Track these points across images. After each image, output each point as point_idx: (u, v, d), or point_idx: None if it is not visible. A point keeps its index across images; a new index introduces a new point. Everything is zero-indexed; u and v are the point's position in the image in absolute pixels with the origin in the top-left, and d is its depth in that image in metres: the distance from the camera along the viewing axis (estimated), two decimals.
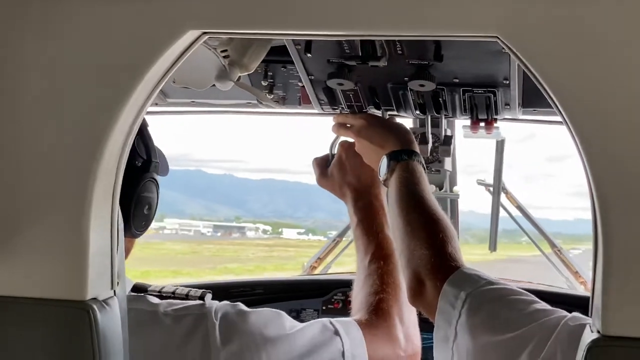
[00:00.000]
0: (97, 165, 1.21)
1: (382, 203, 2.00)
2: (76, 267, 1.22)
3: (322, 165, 2.16)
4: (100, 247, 1.26)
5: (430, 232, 1.66)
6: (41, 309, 1.22)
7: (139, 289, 1.56)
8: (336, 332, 1.61)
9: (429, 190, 1.80)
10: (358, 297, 1.84)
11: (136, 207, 1.59)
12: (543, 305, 1.47)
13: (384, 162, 1.87)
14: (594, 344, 1.13)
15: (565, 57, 1.14)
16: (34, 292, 1.23)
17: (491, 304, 1.49)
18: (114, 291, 1.30)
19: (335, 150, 2.14)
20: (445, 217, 1.72)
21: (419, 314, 1.82)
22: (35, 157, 1.23)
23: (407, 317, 1.78)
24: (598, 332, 1.14)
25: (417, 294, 1.63)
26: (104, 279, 1.28)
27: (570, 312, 1.44)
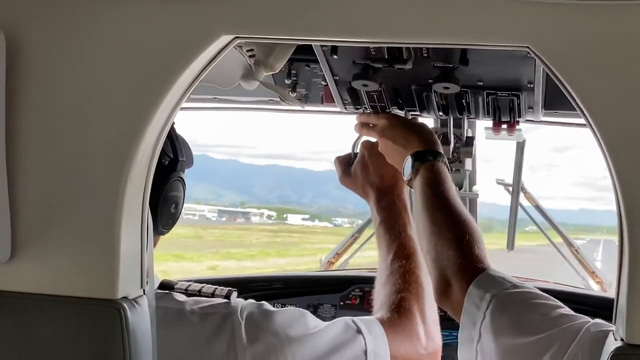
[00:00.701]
0: (129, 166, 1.23)
1: (404, 203, 2.02)
2: (108, 266, 1.24)
3: (345, 164, 2.16)
4: (131, 246, 1.28)
5: (457, 234, 1.68)
6: (73, 307, 1.25)
7: (165, 286, 1.58)
8: (359, 331, 1.63)
9: (455, 191, 1.81)
10: (380, 296, 1.85)
11: (163, 205, 1.61)
12: (567, 310, 1.48)
13: (408, 162, 1.87)
14: (617, 352, 1.14)
15: (595, 66, 1.15)
16: (66, 291, 1.25)
17: (515, 306, 1.51)
18: (144, 290, 1.32)
19: (358, 150, 2.15)
20: (471, 219, 1.73)
21: (440, 312, 1.84)
22: (69, 157, 1.25)
23: (428, 315, 1.80)
24: (622, 340, 1.15)
25: (443, 295, 1.66)
26: (134, 278, 1.30)
27: (589, 313, 1.46)
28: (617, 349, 1.15)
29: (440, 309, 1.90)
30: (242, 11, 1.22)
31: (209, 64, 1.29)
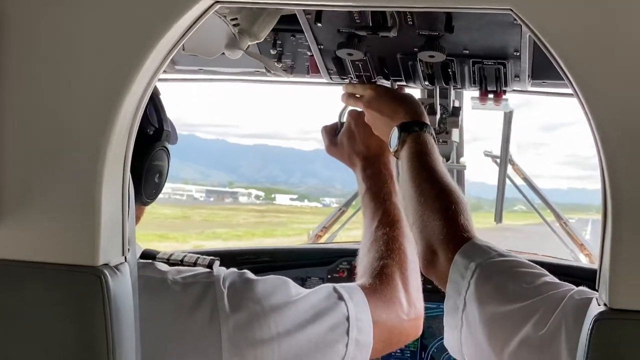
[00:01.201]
0: (109, 131, 1.22)
1: (390, 172, 2.02)
2: (88, 232, 1.23)
3: (331, 133, 2.17)
4: (112, 213, 1.26)
5: (443, 204, 1.68)
6: (53, 274, 1.23)
7: (147, 255, 1.57)
8: (341, 298, 1.63)
9: (441, 161, 1.82)
10: (363, 262, 1.86)
11: (147, 175, 1.60)
12: (551, 278, 1.49)
13: (394, 133, 1.88)
14: (600, 317, 1.14)
15: (578, 29, 1.14)
16: (47, 257, 1.24)
17: (500, 275, 1.51)
18: (125, 257, 1.31)
19: (344, 119, 2.15)
20: (457, 189, 1.74)
21: (425, 285, 1.85)
22: (47, 122, 1.23)
23: (410, 282, 1.80)
24: (605, 305, 1.15)
25: (429, 264, 1.67)
26: (116, 245, 1.28)
27: (576, 284, 1.46)
28: (600, 313, 1.14)
29: (427, 283, 1.91)
30: None
31: (189, 28, 1.27)
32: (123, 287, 1.26)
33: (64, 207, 1.23)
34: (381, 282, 1.74)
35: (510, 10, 1.15)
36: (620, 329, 1.13)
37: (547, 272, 1.51)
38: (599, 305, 1.18)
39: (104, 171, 1.22)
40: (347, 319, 1.61)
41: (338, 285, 1.67)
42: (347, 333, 1.60)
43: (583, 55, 1.14)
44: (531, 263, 1.54)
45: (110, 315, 1.22)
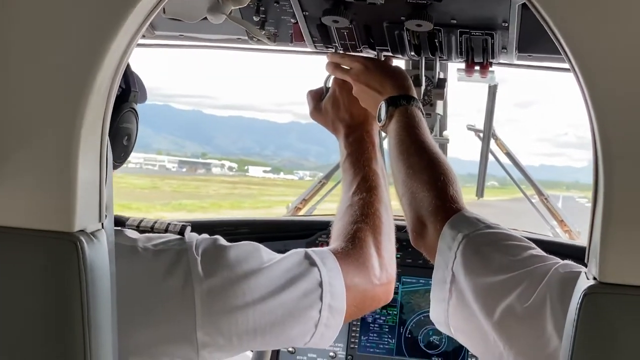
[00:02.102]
0: (87, 94, 1.17)
1: (372, 139, 2.02)
2: (64, 197, 1.18)
3: (316, 98, 2.15)
4: (89, 178, 1.22)
5: (431, 175, 1.68)
6: (27, 240, 1.19)
7: (116, 221, 1.53)
8: (313, 263, 1.62)
9: (429, 134, 1.82)
10: (337, 226, 1.85)
11: (115, 137, 1.55)
12: (538, 251, 1.49)
13: (382, 107, 1.88)
14: (590, 291, 1.12)
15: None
16: (20, 222, 1.19)
17: (486, 247, 1.51)
18: (102, 224, 1.27)
19: (329, 84, 2.12)
20: (446, 161, 1.73)
21: (404, 259, 1.84)
22: (23, 84, 1.19)
23: (384, 246, 1.79)
24: (594, 279, 1.13)
25: (418, 236, 1.67)
26: (92, 211, 1.24)
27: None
28: (590, 287, 1.13)
29: (406, 257, 1.90)
30: None
31: None
32: (99, 255, 1.22)
33: (39, 170, 1.19)
34: (354, 246, 1.73)
35: None
36: (610, 303, 1.12)
37: (534, 245, 1.51)
38: (588, 279, 1.16)
39: (80, 135, 1.17)
40: (320, 284, 1.60)
41: (310, 250, 1.65)
42: (321, 299, 1.60)
43: (580, 23, 1.10)
44: (519, 236, 1.54)
45: (86, 283, 1.18)
